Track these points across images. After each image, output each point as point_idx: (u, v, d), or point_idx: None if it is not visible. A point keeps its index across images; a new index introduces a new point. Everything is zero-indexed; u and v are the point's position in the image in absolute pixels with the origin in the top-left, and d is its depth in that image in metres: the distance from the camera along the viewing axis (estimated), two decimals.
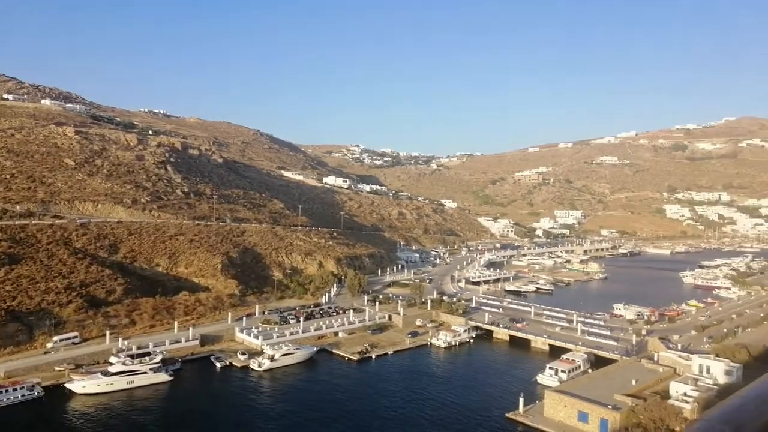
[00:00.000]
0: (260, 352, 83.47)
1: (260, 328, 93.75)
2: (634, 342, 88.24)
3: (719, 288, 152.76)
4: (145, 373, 71.60)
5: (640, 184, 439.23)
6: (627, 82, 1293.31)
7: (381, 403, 68.00)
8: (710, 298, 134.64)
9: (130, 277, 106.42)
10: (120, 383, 69.43)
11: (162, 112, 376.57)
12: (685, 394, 60.88)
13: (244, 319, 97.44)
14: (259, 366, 78.63)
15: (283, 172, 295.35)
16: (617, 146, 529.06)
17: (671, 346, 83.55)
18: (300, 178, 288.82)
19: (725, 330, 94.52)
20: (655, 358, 77.53)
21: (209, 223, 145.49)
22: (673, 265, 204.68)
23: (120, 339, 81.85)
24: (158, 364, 73.78)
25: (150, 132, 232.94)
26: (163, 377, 72.78)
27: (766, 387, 1.79)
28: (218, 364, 79.92)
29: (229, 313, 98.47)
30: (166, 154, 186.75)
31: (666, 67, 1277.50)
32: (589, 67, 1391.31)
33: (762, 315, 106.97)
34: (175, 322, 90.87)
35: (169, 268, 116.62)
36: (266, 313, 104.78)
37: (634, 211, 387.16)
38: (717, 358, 71.21)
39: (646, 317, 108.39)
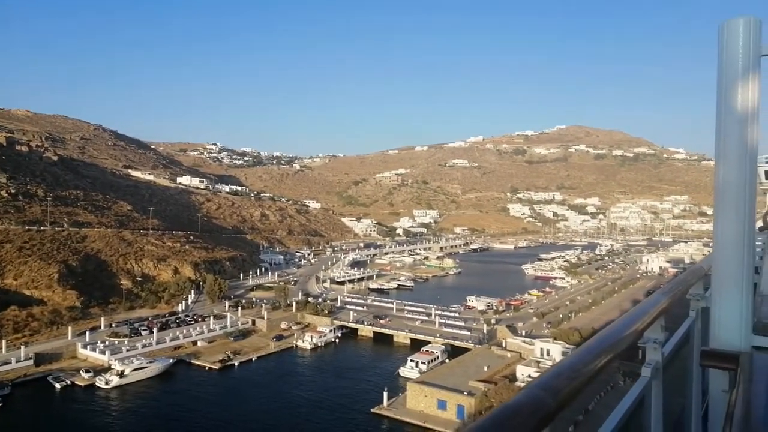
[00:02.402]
0: (108, 369, 76.32)
1: (107, 342, 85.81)
2: (485, 331, 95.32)
3: (555, 278, 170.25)
4: None
5: (487, 185, 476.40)
6: (473, 90, 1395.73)
7: (245, 409, 65.86)
8: (548, 288, 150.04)
9: None
10: None
11: None
12: (529, 376, 67.15)
13: (88, 333, 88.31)
14: (107, 383, 71.88)
15: (130, 171, 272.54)
16: (467, 150, 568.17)
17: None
18: (150, 177, 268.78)
19: (561, 315, 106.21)
20: (504, 345, 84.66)
21: (43, 228, 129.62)
22: (516, 259, 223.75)
23: None
24: None
25: None
26: None
27: (579, 358, 2.20)
28: (58, 385, 71.64)
29: (70, 328, 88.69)
30: None
31: (504, 77, 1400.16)
32: (438, 75, 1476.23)
33: (590, 301, 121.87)
34: (3, 342, 79.73)
35: None
36: (114, 325, 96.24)
37: (482, 210, 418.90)
38: (555, 341, 79.73)
39: (495, 307, 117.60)
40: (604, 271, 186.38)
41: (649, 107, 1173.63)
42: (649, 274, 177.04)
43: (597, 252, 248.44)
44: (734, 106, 3.49)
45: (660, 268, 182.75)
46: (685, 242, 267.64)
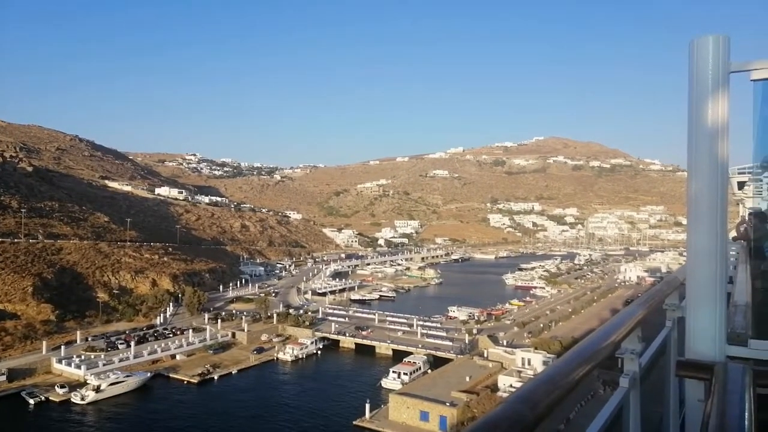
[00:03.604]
0: (83, 383, 74.64)
1: (83, 357, 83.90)
2: (467, 341, 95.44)
3: (535, 288, 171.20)
4: None
5: (468, 195, 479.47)
6: (452, 101, 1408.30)
7: (225, 423, 64.80)
8: (528, 297, 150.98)
9: None
10: None
11: None
12: (511, 386, 67.33)
13: (63, 347, 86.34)
14: (82, 399, 70.22)
15: (107, 182, 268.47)
16: (447, 161, 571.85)
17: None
18: (128, 188, 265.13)
19: (541, 325, 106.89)
20: (485, 355, 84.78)
21: (17, 240, 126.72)
22: (497, 269, 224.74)
23: None
24: None
25: None
26: None
27: (557, 369, 2.21)
28: (31, 401, 69.73)
29: (44, 342, 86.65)
30: None
31: (483, 88, 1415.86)
32: (419, 86, 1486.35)
33: (570, 310, 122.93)
34: None
35: None
36: (90, 339, 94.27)
37: (463, 221, 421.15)
38: (536, 350, 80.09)
39: (476, 317, 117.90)
40: (583, 281, 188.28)
41: (625, 119, 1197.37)
42: (627, 283, 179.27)
43: (576, 261, 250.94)
44: (704, 121, 3.61)
45: (637, 277, 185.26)
46: (662, 251, 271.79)
